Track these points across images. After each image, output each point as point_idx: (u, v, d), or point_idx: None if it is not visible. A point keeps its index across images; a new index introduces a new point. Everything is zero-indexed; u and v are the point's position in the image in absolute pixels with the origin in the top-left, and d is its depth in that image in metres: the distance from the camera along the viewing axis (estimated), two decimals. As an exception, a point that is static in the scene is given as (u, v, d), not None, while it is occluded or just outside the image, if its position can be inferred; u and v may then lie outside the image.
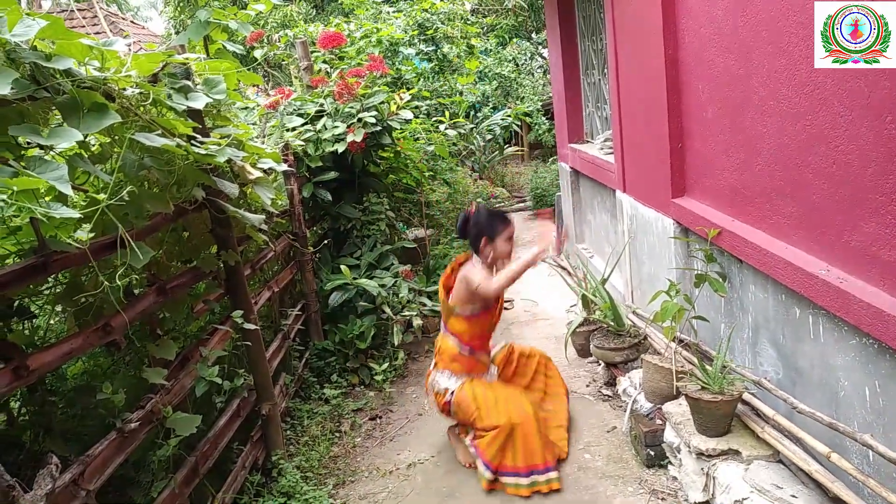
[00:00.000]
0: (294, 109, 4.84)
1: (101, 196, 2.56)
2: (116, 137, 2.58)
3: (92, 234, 2.20)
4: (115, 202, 2.43)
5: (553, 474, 3.22)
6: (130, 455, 2.27)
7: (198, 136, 2.65)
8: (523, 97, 11.03)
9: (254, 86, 6.96)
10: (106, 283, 1.95)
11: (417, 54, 8.42)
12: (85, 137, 2.38)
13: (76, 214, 1.68)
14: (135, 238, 2.34)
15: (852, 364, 2.28)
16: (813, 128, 2.35)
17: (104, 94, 2.22)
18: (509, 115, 9.30)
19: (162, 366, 2.54)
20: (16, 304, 2.32)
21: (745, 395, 2.87)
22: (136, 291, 2.61)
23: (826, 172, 2.31)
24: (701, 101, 3.23)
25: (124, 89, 2.43)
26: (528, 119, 10.46)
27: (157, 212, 2.52)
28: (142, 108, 2.59)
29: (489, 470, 3.27)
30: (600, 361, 4.22)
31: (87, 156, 2.40)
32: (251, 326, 3.09)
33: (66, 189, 1.68)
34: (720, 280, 3.13)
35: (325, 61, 5.73)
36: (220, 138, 2.89)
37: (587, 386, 4.22)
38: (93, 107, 2.02)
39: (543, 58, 13.22)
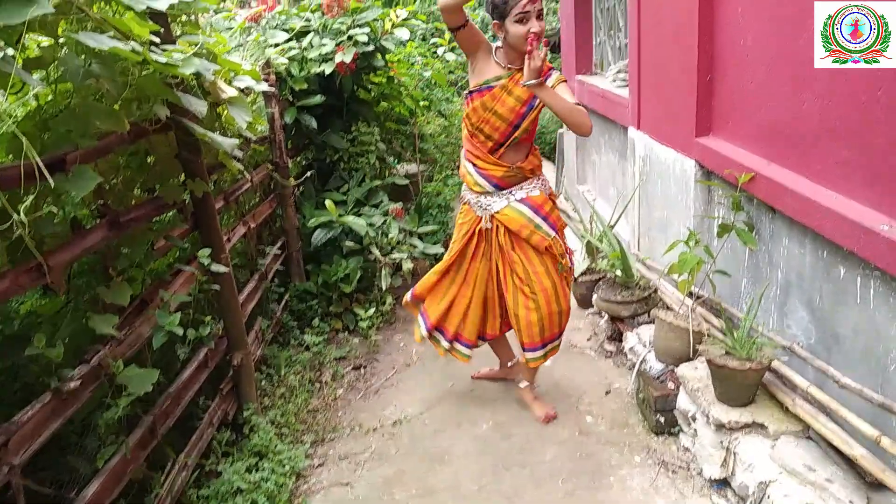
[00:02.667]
0: (278, 24, 4.37)
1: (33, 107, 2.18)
2: (62, 41, 2.18)
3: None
4: (54, 118, 2.09)
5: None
6: (73, 417, 1.94)
7: (160, 42, 2.24)
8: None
9: (238, 2, 6.42)
10: (17, 215, 1.57)
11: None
12: (20, 37, 2.02)
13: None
14: (80, 160, 1.97)
15: (912, 336, 1.97)
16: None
17: (36, -19, 1.81)
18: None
19: (114, 312, 2.19)
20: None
21: (773, 363, 2.57)
22: (87, 225, 2.25)
23: (902, 111, 1.95)
24: (739, 26, 2.84)
25: (66, -24, 2.01)
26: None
27: (109, 131, 2.13)
28: (95, 7, 2.17)
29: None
30: (603, 314, 3.92)
31: (21, 60, 1.99)
32: (221, 269, 2.73)
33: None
34: (748, 231, 2.80)
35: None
36: (188, 46, 2.48)
37: (588, 340, 3.93)
38: (17, -9, 1.61)
39: (546, -14, 12.55)
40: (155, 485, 2.27)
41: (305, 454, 2.95)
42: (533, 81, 2.61)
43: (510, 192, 2.96)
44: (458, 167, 3.25)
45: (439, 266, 3.22)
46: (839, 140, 2.26)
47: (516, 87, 2.78)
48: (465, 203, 3.11)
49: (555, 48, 11.79)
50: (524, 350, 3.13)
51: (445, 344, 3.26)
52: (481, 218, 3.02)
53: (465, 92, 2.96)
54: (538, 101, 2.78)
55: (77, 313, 2.33)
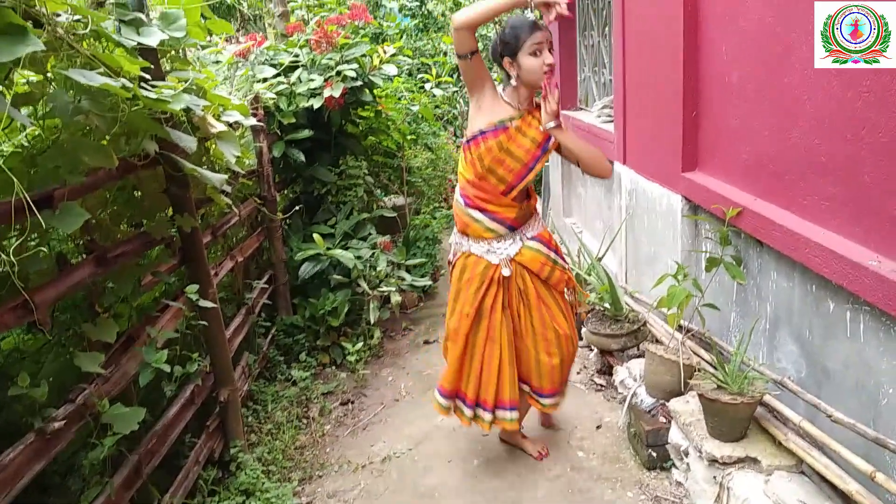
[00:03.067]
0: (266, 59, 4.39)
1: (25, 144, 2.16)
2: (51, 76, 2.17)
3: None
4: (42, 153, 2.07)
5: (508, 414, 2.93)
6: (56, 457, 1.90)
7: (150, 78, 2.24)
8: (509, 61, 10.57)
9: (223, 37, 6.45)
10: (5, 255, 1.54)
11: (401, 10, 7.94)
12: (8, 73, 2.01)
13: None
14: (68, 197, 1.95)
15: (903, 371, 1.97)
16: (872, 94, 2.01)
17: (27, 18, 1.81)
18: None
19: (100, 349, 2.16)
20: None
21: (765, 397, 2.57)
22: (73, 261, 2.22)
23: (887, 148, 1.98)
24: (724, 62, 2.88)
25: (56, 14, 2.01)
26: (513, 85, 10.02)
27: (97, 166, 2.11)
28: (85, 44, 2.17)
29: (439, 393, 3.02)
30: (592, 347, 3.91)
31: (9, 97, 1.98)
32: (208, 304, 2.70)
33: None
34: (737, 265, 2.81)
35: (302, 8, 5.25)
36: (178, 83, 2.48)
37: (577, 373, 3.90)
38: (7, 29, 1.60)
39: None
40: (139, 527, 2.22)
41: (293, 492, 2.90)
42: (552, 124, 2.63)
43: (522, 232, 2.86)
44: (453, 212, 3.02)
45: (455, 344, 2.92)
46: (826, 176, 2.28)
47: (530, 128, 2.73)
48: (465, 256, 2.88)
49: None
50: (542, 396, 2.98)
51: (488, 416, 2.95)
52: (497, 266, 2.82)
53: (474, 132, 2.75)
54: (551, 143, 2.75)
55: (61, 350, 2.29)
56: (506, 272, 2.82)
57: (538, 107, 2.75)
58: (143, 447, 2.28)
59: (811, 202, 2.38)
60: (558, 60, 5.92)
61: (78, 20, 2.05)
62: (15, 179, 1.50)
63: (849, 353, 2.23)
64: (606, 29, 4.99)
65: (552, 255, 2.90)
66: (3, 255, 1.52)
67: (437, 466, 3.15)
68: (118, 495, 2.07)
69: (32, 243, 1.89)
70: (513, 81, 2.72)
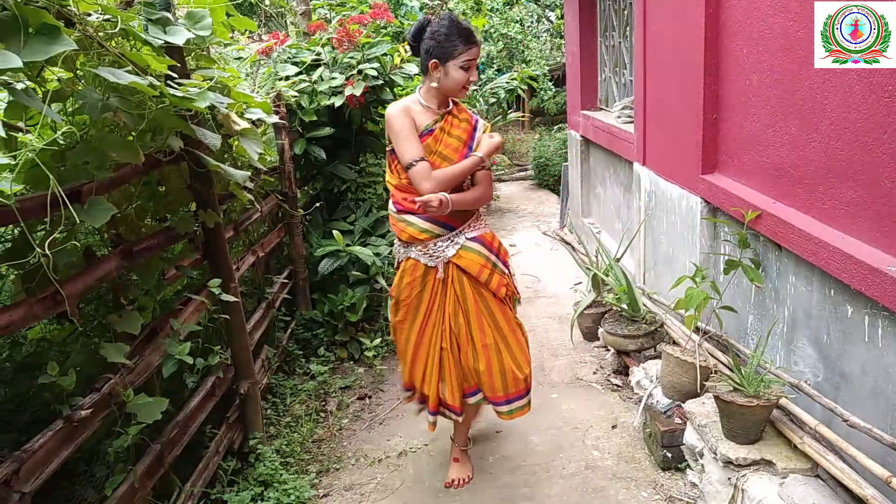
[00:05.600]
0: (288, 57, 4.43)
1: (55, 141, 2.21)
2: (80, 74, 2.22)
3: (20, 188, 1.84)
4: (70, 149, 2.12)
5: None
6: (82, 445, 1.95)
7: (176, 76, 2.28)
8: (529, 60, 10.58)
9: (247, 33, 6.51)
10: (38, 247, 1.59)
11: (422, 9, 7.95)
12: (40, 71, 2.06)
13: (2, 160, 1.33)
14: (96, 192, 2.00)
15: (922, 377, 1.97)
16: (894, 100, 2.01)
17: (60, 18, 1.85)
18: (515, 79, 8.84)
19: (125, 340, 2.21)
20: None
21: (781, 400, 2.57)
22: (99, 254, 2.27)
23: (907, 153, 1.98)
24: (745, 67, 2.88)
25: (87, 14, 2.06)
26: (534, 84, 10.02)
27: (124, 162, 2.16)
28: (112, 42, 2.22)
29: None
30: (609, 347, 3.92)
31: (40, 93, 2.03)
32: (230, 298, 2.75)
33: (-2, 129, 1.34)
34: (755, 268, 2.81)
35: (325, 7, 5.29)
36: (203, 81, 2.53)
37: (594, 373, 3.92)
38: (42, 29, 1.64)
39: (550, 21, 12.73)
40: (161, 514, 2.27)
41: (310, 484, 2.94)
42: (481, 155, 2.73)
43: (462, 232, 2.77)
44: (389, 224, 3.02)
45: (401, 341, 2.93)
46: (846, 181, 2.28)
47: (454, 128, 2.73)
48: (405, 260, 2.84)
49: (559, 82, 11.94)
50: (495, 404, 2.90)
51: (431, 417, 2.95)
52: (436, 269, 2.78)
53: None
54: (475, 141, 2.76)
55: (87, 340, 2.34)
56: (440, 275, 2.77)
57: (456, 105, 2.79)
58: (165, 437, 2.33)
59: (831, 206, 2.38)
60: (580, 60, 5.93)
61: (107, 19, 2.10)
62: (50, 174, 1.55)
63: (867, 358, 2.23)
64: (627, 30, 4.98)
65: (492, 257, 2.81)
66: (39, 249, 1.56)
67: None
68: (141, 483, 2.12)
69: (61, 237, 1.94)
70: (433, 83, 2.67)
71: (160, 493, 2.36)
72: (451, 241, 2.76)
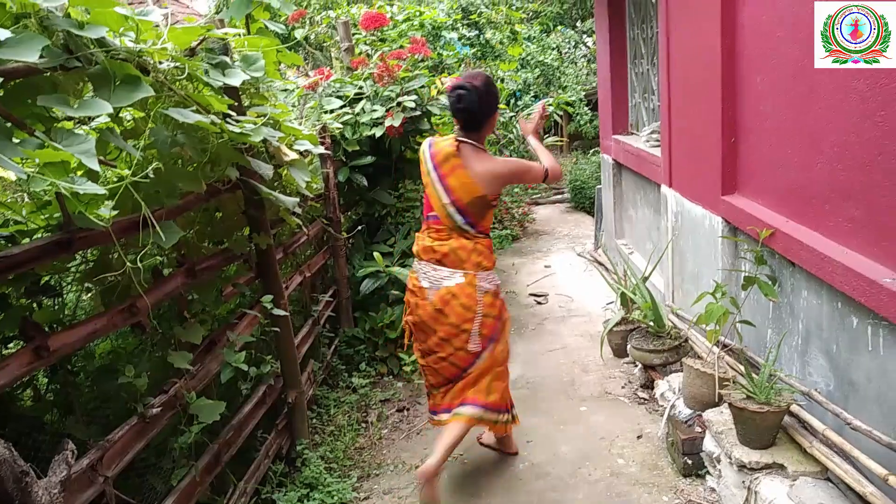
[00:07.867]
0: (333, 91, 4.75)
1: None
2: (151, 113, 2.52)
3: (115, 212, 2.13)
4: (144, 179, 2.41)
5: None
6: (152, 440, 2.22)
7: (233, 114, 2.57)
8: (566, 86, 10.80)
9: (294, 67, 6.89)
10: (128, 263, 1.87)
11: (460, 39, 8.27)
12: (119, 112, 2.37)
13: (100, 190, 1.61)
14: (165, 217, 2.28)
15: (917, 382, 2.12)
16: (886, 124, 2.18)
17: (138, 67, 2.15)
18: (551, 104, 9.08)
19: (188, 349, 2.48)
20: (43, 281, 2.27)
21: (793, 407, 2.71)
22: (165, 272, 2.56)
23: (898, 174, 2.14)
24: (758, 94, 3.06)
25: (160, 62, 2.36)
26: (570, 109, 10.25)
27: (189, 191, 2.45)
28: (177, 84, 2.52)
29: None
30: (637, 363, 4.08)
31: (119, 131, 2.34)
32: (281, 312, 3.02)
33: (93, 163, 1.61)
34: (770, 284, 2.97)
35: (366, 43, 5.62)
36: (257, 117, 2.81)
37: (622, 388, 4.08)
38: (125, 79, 1.94)
39: (587, 46, 12.96)
40: (219, 508, 2.52)
41: (352, 488, 3.17)
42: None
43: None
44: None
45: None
46: (847, 200, 2.44)
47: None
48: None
49: (596, 106, 12.13)
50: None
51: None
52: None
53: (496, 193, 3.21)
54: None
55: (153, 349, 2.63)
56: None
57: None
58: (221, 438, 2.59)
59: (835, 224, 2.54)
60: (611, 87, 6.13)
61: (176, 66, 2.39)
62: (142, 202, 1.83)
63: (871, 365, 2.37)
64: (655, 58, 5.18)
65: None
66: (128, 263, 1.83)
67: (484, 468, 3.38)
68: (201, 477, 2.37)
69: (133, 257, 2.23)
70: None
71: (217, 489, 2.62)
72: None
